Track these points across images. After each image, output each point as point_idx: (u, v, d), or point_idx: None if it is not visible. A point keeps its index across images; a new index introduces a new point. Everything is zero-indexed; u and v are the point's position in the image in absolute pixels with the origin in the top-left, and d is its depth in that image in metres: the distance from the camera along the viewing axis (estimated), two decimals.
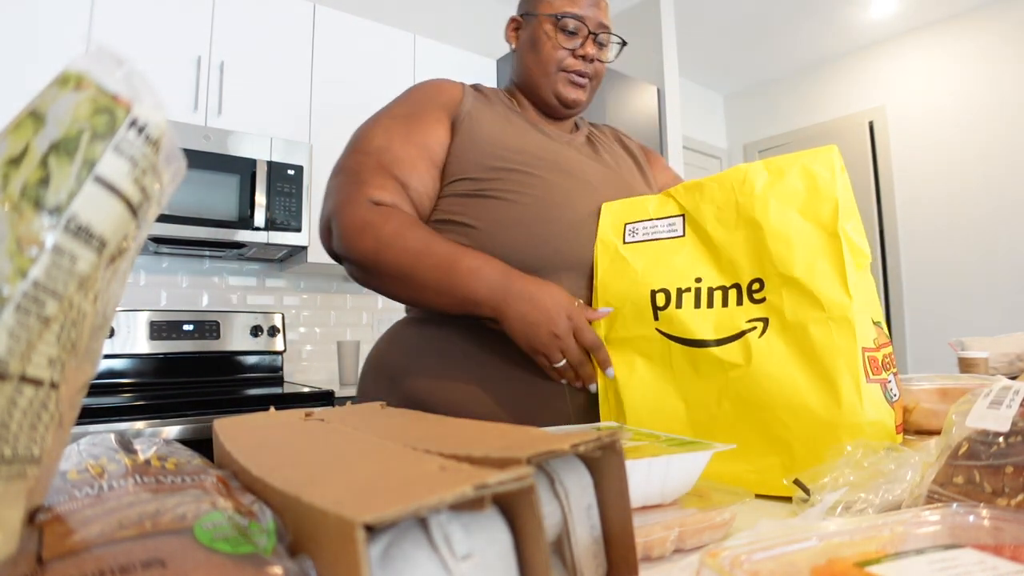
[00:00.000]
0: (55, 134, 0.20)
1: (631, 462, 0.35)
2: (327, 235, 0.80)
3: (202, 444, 1.38)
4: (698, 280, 0.66)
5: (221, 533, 0.22)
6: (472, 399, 0.76)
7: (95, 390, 1.85)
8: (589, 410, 0.77)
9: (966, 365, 1.20)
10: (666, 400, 0.67)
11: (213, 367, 2.12)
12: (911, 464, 0.45)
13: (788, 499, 0.51)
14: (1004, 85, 3.24)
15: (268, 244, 2.00)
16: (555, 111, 0.91)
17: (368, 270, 0.76)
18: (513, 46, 0.94)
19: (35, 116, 0.20)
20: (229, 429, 0.38)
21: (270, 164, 1.99)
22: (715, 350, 0.62)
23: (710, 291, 0.65)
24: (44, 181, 0.19)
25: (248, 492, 0.27)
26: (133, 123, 0.22)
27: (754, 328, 0.61)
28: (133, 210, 0.22)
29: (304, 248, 2.10)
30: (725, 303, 0.64)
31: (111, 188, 0.21)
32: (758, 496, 0.55)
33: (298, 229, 2.04)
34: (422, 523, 0.22)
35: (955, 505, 0.32)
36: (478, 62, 2.70)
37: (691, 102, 4.27)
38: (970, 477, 0.37)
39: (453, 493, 0.20)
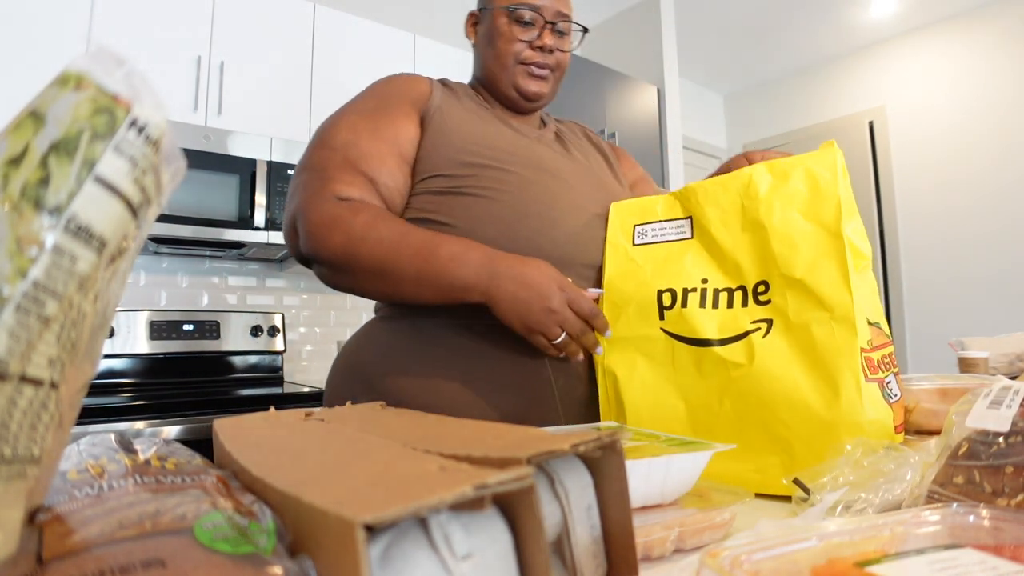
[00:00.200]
0: (55, 134, 0.20)
1: (631, 462, 0.35)
2: (293, 236, 0.76)
3: (202, 444, 1.38)
4: (704, 281, 0.67)
5: (221, 533, 0.22)
6: (455, 399, 0.73)
7: (95, 390, 1.85)
8: (578, 405, 0.76)
9: (966, 365, 1.20)
10: (667, 400, 0.67)
11: (213, 367, 2.12)
12: (911, 464, 0.45)
13: (788, 499, 0.51)
14: (1004, 85, 3.24)
15: (268, 244, 2.00)
16: (517, 105, 0.89)
17: (340, 268, 0.72)
18: (472, 41, 0.92)
19: (35, 116, 0.20)
20: (229, 429, 0.38)
21: (270, 164, 1.99)
22: (718, 349, 0.63)
23: (716, 292, 0.66)
24: (44, 181, 0.19)
25: (248, 492, 0.27)
26: (133, 123, 0.22)
27: (758, 329, 0.61)
28: (133, 210, 0.22)
29: None
30: (730, 304, 0.64)
31: (111, 188, 0.21)
32: (758, 496, 0.55)
33: None
34: (422, 523, 0.22)
35: (955, 505, 0.32)
36: None
37: (691, 102, 4.27)
38: (970, 477, 0.37)
39: (453, 493, 0.20)
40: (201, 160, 1.86)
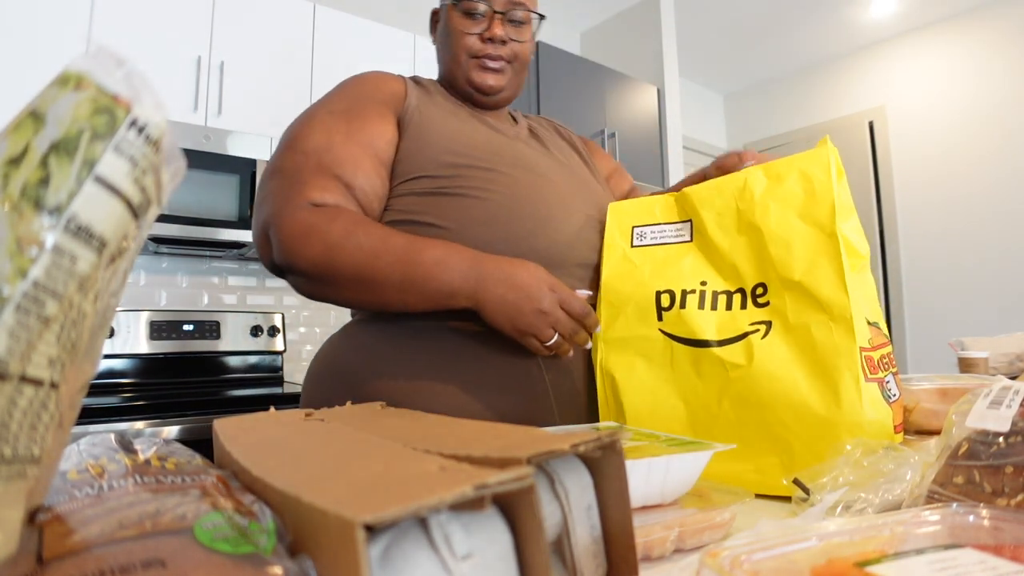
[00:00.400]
0: (55, 134, 0.20)
1: (631, 462, 0.35)
2: (265, 246, 0.72)
3: (202, 444, 1.38)
4: (703, 283, 0.67)
5: (221, 533, 0.22)
6: (448, 403, 0.70)
7: (95, 390, 1.85)
8: (575, 405, 0.75)
9: (966, 365, 1.20)
10: (666, 400, 0.67)
11: (213, 367, 2.12)
12: (911, 464, 0.45)
13: (788, 499, 0.51)
14: (1004, 85, 3.24)
15: None
16: (477, 100, 0.86)
17: (318, 278, 0.68)
18: (433, 40, 0.91)
19: (35, 116, 0.20)
20: (229, 429, 0.38)
21: None
22: (717, 350, 0.63)
23: (715, 295, 0.66)
24: (44, 181, 0.19)
25: (248, 492, 0.27)
26: (133, 123, 0.22)
27: (757, 330, 0.61)
28: (133, 210, 0.22)
29: None
30: (729, 307, 0.64)
31: (111, 188, 0.21)
32: (758, 496, 0.55)
33: None
34: (422, 523, 0.22)
35: (955, 505, 0.32)
36: None
37: (691, 102, 4.27)
38: (970, 477, 0.37)
39: (453, 493, 0.20)
40: (201, 160, 1.86)
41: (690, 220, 0.71)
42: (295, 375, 2.39)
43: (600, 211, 0.82)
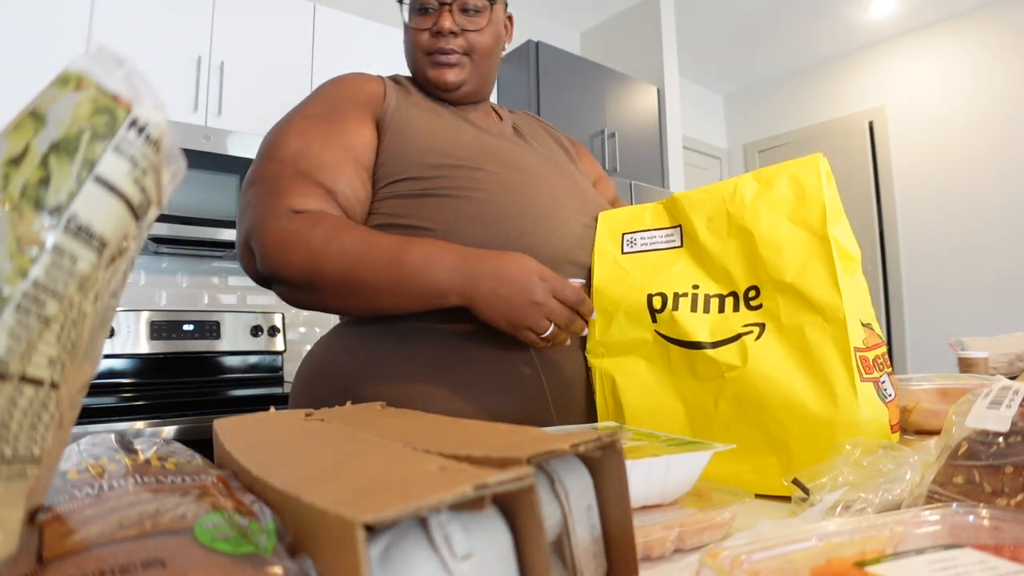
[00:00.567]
0: (55, 134, 0.20)
1: (631, 462, 0.35)
2: (248, 256, 0.70)
3: (202, 444, 1.38)
4: (695, 287, 0.67)
5: (221, 533, 0.22)
6: (442, 406, 0.68)
7: (95, 390, 1.85)
8: (572, 405, 0.75)
9: (966, 365, 1.20)
10: (665, 401, 0.67)
11: (213, 367, 2.12)
12: (910, 464, 0.45)
13: (788, 499, 0.51)
14: (1004, 85, 3.24)
15: None
16: (443, 98, 0.84)
17: (304, 286, 0.67)
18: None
19: (35, 116, 0.20)
20: (229, 429, 0.38)
21: None
22: (711, 352, 0.63)
23: (707, 298, 0.66)
24: (44, 181, 0.19)
25: (248, 492, 0.27)
26: (133, 123, 0.22)
27: (750, 332, 0.61)
28: (133, 210, 0.22)
29: None
30: (721, 309, 0.65)
31: (111, 188, 0.21)
32: (758, 496, 0.55)
33: None
34: (422, 523, 0.22)
35: (955, 505, 0.32)
36: None
37: (691, 102, 4.27)
38: (970, 477, 0.37)
39: (453, 493, 0.20)
40: (201, 160, 1.86)
41: (679, 226, 0.72)
42: (295, 375, 2.39)
43: (590, 208, 0.81)
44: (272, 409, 0.47)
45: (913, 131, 3.58)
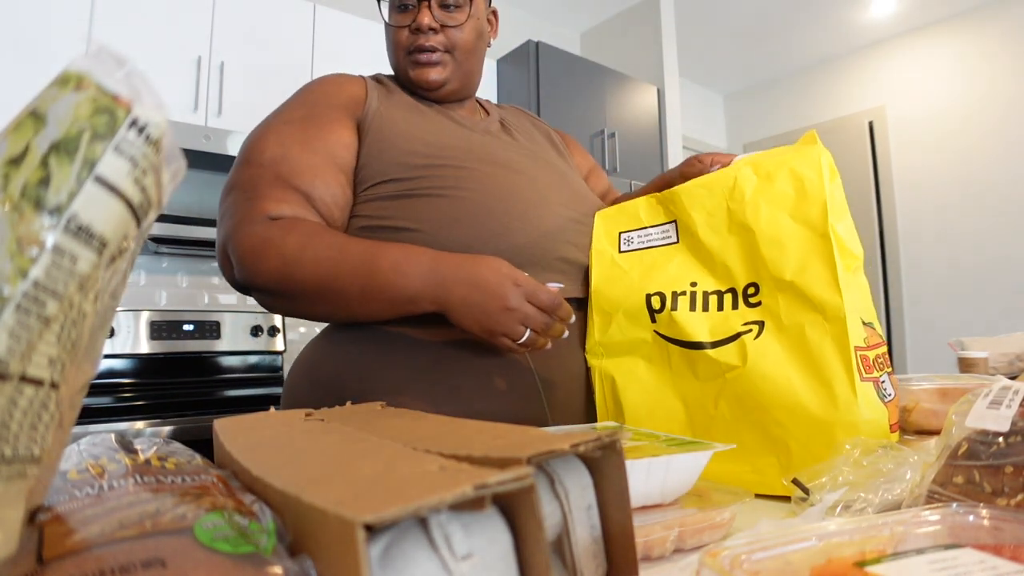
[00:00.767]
0: (55, 134, 0.20)
1: (631, 462, 0.35)
2: (226, 264, 0.69)
3: (202, 444, 1.38)
4: (693, 285, 0.67)
5: (221, 533, 0.22)
6: (434, 408, 0.67)
7: (95, 390, 1.85)
8: (566, 403, 0.74)
9: (966, 365, 1.20)
10: (665, 401, 0.67)
11: (213, 367, 2.12)
12: (910, 463, 0.45)
13: (788, 499, 0.51)
14: (1004, 85, 3.24)
15: None
16: (429, 97, 0.83)
17: (279, 294, 0.66)
18: None
19: (35, 116, 0.20)
20: (229, 429, 0.38)
21: None
22: (711, 352, 0.63)
23: (705, 295, 0.66)
24: (44, 181, 0.19)
25: (248, 492, 0.27)
26: (133, 123, 0.22)
27: (749, 331, 0.61)
28: (133, 210, 0.22)
29: None
30: (720, 307, 0.64)
31: (111, 188, 0.21)
32: (758, 496, 0.55)
33: None
34: (422, 523, 0.22)
35: (955, 505, 0.32)
36: None
37: (691, 102, 4.27)
38: (970, 477, 0.37)
39: (453, 493, 0.20)
40: (201, 160, 1.86)
41: (675, 221, 0.71)
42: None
43: (577, 202, 0.80)
44: (272, 409, 0.47)
45: (913, 131, 3.58)
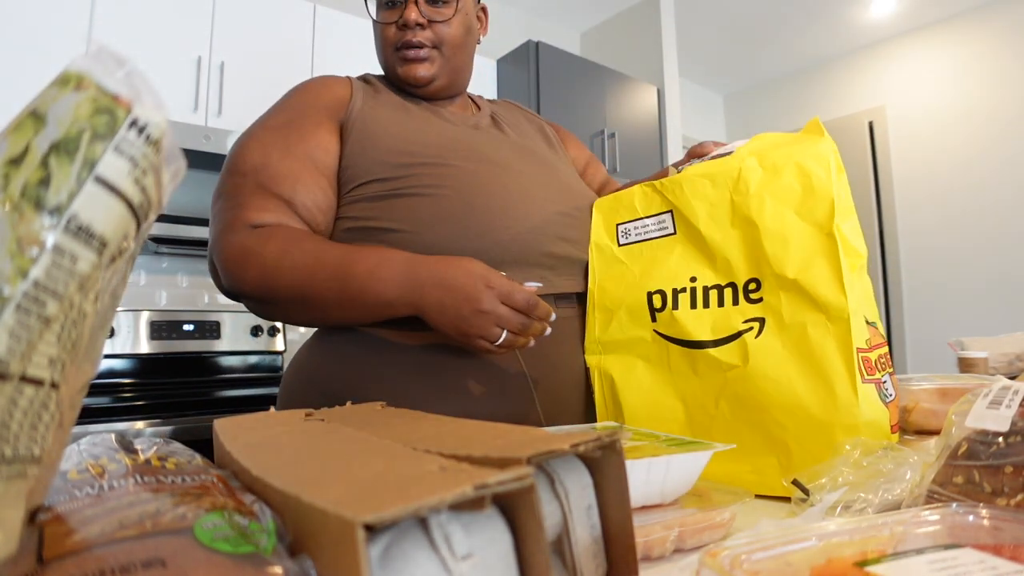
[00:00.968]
0: (55, 134, 0.20)
1: (631, 462, 0.35)
2: (214, 273, 0.71)
3: (202, 444, 1.38)
4: (692, 280, 0.66)
5: (221, 533, 0.22)
6: (427, 410, 0.67)
7: (95, 390, 1.85)
8: (561, 404, 0.74)
9: (966, 365, 1.20)
10: (664, 401, 0.67)
11: (213, 367, 2.12)
12: (910, 464, 0.45)
13: (788, 499, 0.51)
14: (1004, 85, 3.24)
15: None
16: (418, 94, 0.83)
17: (262, 301, 0.67)
18: None
19: (35, 116, 0.20)
20: (229, 429, 0.38)
21: None
22: (712, 351, 0.62)
23: (705, 290, 0.65)
24: (44, 181, 0.19)
25: (248, 492, 0.27)
26: (133, 123, 0.22)
27: (751, 328, 0.61)
28: (133, 210, 0.22)
29: None
30: (721, 303, 0.63)
31: (111, 188, 0.21)
32: (758, 496, 0.55)
33: None
34: (422, 523, 0.22)
35: (955, 505, 0.32)
36: (479, 62, 2.70)
37: (691, 102, 4.27)
38: (970, 477, 0.37)
39: (453, 493, 0.20)
40: (201, 160, 1.86)
41: (671, 211, 0.69)
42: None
43: (567, 196, 0.80)
44: (272, 409, 0.47)
45: (913, 131, 3.58)
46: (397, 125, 0.77)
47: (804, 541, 0.29)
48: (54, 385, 0.21)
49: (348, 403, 0.52)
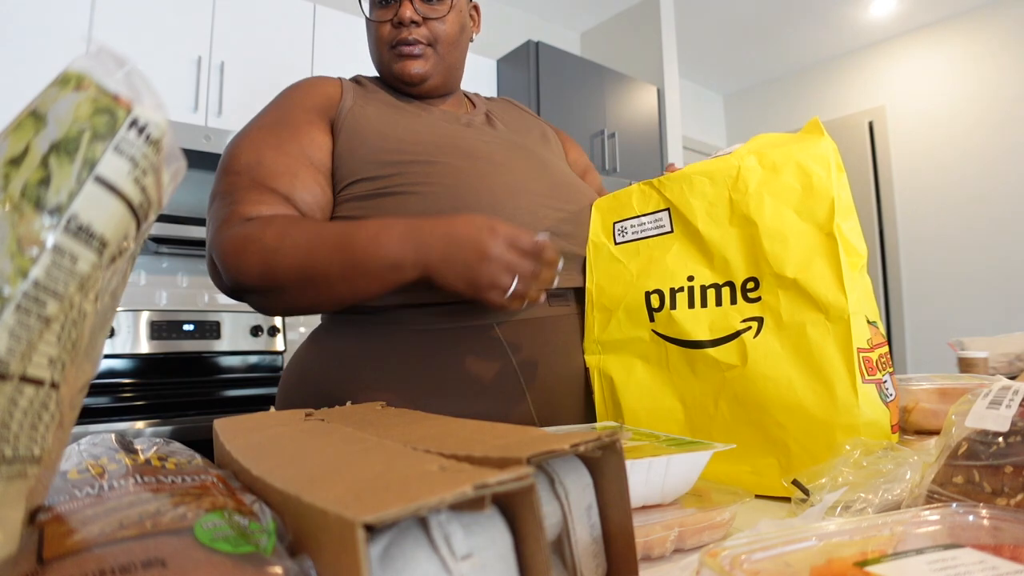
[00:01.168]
0: (56, 134, 0.20)
1: (631, 462, 0.35)
2: (214, 271, 0.70)
3: (202, 444, 1.38)
4: (690, 279, 0.66)
5: (221, 533, 0.22)
6: (424, 407, 0.65)
7: (95, 390, 1.85)
8: (557, 406, 0.73)
9: (966, 365, 1.20)
10: (664, 401, 0.66)
11: (213, 367, 2.12)
12: (910, 464, 0.45)
13: (788, 499, 0.51)
14: (1003, 85, 3.24)
15: None
16: (408, 93, 0.83)
17: (266, 289, 0.65)
18: None
19: (36, 116, 0.20)
20: (229, 429, 0.38)
21: None
22: (711, 351, 0.62)
23: (703, 289, 0.64)
24: (45, 181, 0.19)
25: (248, 492, 0.27)
26: (134, 123, 0.22)
27: (749, 328, 0.60)
28: (133, 210, 0.22)
29: None
30: (719, 302, 0.63)
31: (112, 188, 0.21)
32: (757, 496, 0.55)
33: None
34: (422, 523, 0.22)
35: (955, 505, 0.32)
36: (479, 62, 2.70)
37: (691, 102, 4.27)
38: (970, 477, 0.37)
39: (453, 493, 0.20)
40: (201, 160, 1.86)
41: (668, 209, 0.69)
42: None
43: (560, 191, 0.79)
44: (272, 409, 0.47)
45: (913, 131, 3.58)
46: (386, 124, 0.77)
47: (804, 541, 0.29)
48: (54, 385, 0.21)
49: (348, 403, 0.52)
